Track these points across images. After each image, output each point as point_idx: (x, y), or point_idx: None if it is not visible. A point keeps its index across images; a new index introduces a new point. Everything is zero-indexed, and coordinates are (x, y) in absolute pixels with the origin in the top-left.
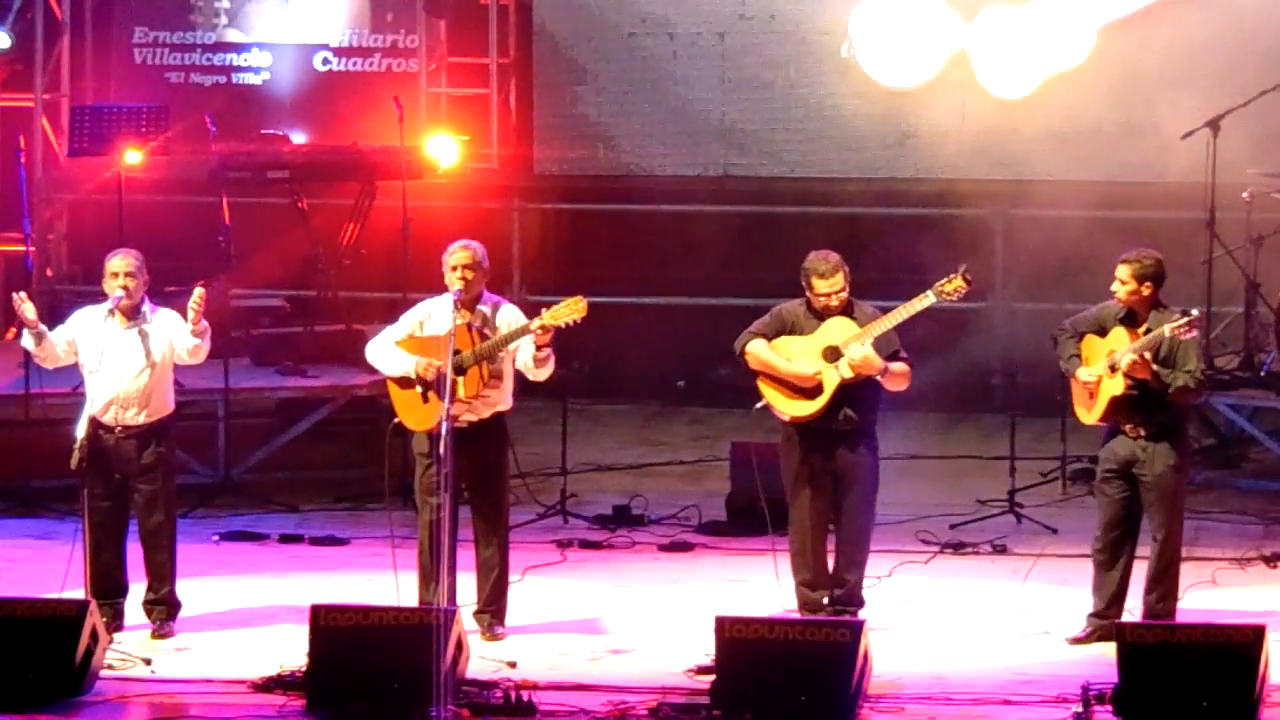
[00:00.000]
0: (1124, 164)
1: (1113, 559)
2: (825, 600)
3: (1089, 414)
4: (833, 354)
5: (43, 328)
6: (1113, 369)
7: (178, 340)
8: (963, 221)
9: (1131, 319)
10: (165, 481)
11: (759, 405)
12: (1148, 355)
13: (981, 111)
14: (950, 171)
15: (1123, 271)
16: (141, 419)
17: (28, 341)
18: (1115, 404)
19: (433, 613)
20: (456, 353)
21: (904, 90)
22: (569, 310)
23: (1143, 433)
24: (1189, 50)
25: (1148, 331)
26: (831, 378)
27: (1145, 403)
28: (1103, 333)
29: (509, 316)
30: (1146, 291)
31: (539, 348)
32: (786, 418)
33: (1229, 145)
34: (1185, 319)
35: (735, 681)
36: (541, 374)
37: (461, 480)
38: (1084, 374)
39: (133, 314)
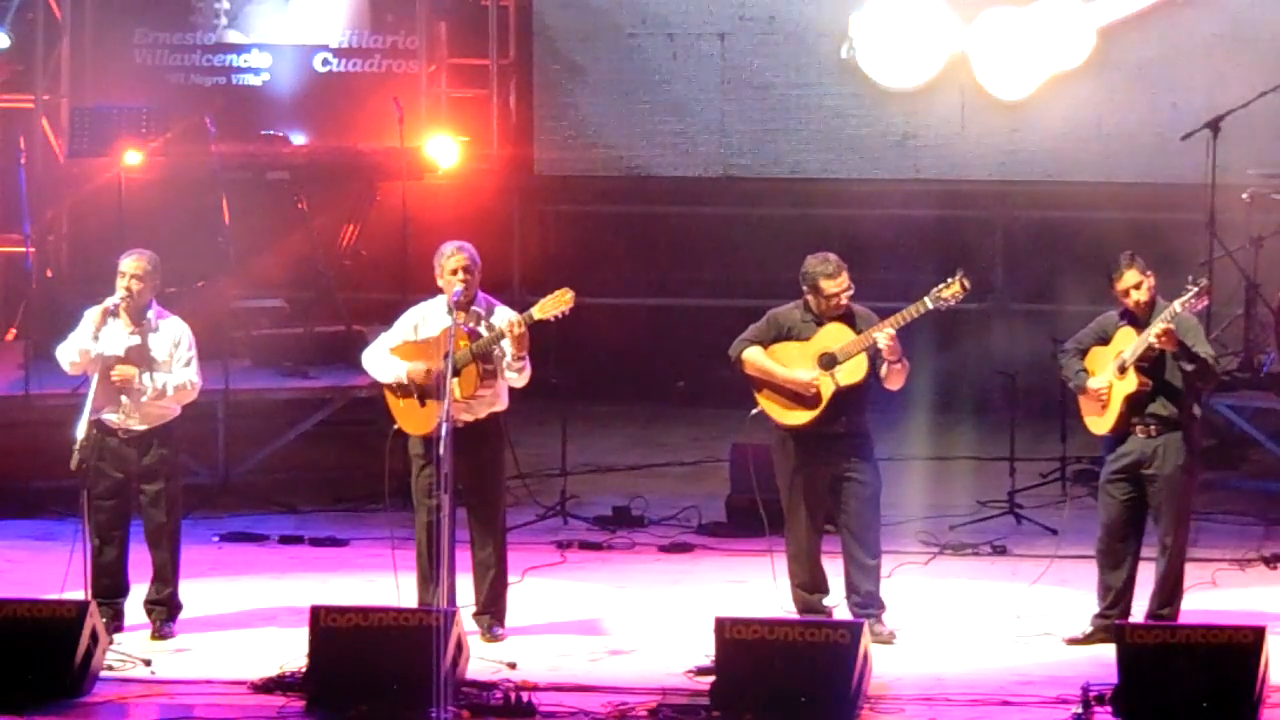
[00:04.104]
0: (1124, 165)
1: (1118, 560)
2: (823, 602)
3: (1102, 422)
4: (828, 360)
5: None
6: (1121, 369)
7: (176, 361)
8: (963, 223)
9: (1133, 319)
10: (168, 484)
11: (754, 412)
12: (1162, 328)
13: (981, 113)
14: (950, 173)
15: (1132, 276)
16: (143, 423)
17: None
18: (1130, 404)
19: (433, 614)
20: (447, 355)
21: (904, 91)
22: (555, 302)
23: (1154, 430)
24: (1189, 51)
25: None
26: (827, 385)
27: (1157, 399)
28: (1106, 342)
29: (503, 317)
30: (1154, 280)
31: (515, 358)
32: (783, 424)
33: (1229, 146)
34: (1194, 289)
35: (735, 682)
36: (518, 381)
37: (458, 481)
38: (1095, 383)
39: (137, 317)
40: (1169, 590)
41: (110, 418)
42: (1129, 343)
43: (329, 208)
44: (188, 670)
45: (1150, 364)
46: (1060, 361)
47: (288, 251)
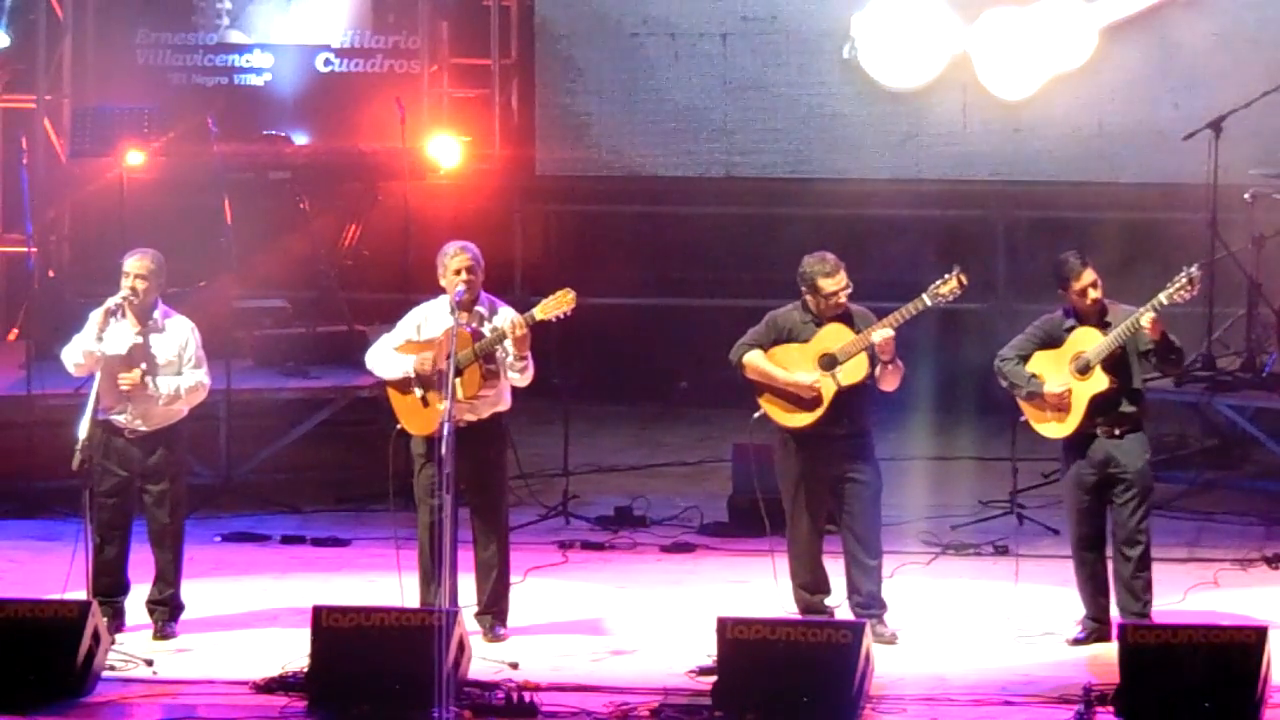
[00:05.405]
0: (1126, 165)
1: (1097, 564)
2: (825, 603)
3: (1063, 425)
4: (829, 361)
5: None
6: (1084, 369)
7: (185, 363)
8: (964, 223)
9: (1082, 319)
10: (172, 485)
11: (756, 415)
12: (1153, 316)
13: (983, 113)
14: (952, 173)
15: (1089, 275)
16: (150, 424)
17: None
18: (1095, 404)
19: (434, 614)
20: (450, 356)
21: (906, 91)
22: (557, 303)
23: (1118, 431)
24: (1191, 51)
25: (1108, 324)
26: (829, 386)
27: (1122, 399)
28: (1052, 344)
29: (506, 317)
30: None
31: (518, 357)
32: (785, 426)
33: (1231, 146)
34: (1186, 278)
35: (737, 682)
36: (520, 380)
37: (460, 481)
38: (1054, 387)
39: (143, 316)
40: (1148, 578)
41: (118, 418)
42: (1091, 342)
43: (331, 208)
44: (190, 670)
45: (1113, 363)
46: (1002, 370)
47: (289, 251)
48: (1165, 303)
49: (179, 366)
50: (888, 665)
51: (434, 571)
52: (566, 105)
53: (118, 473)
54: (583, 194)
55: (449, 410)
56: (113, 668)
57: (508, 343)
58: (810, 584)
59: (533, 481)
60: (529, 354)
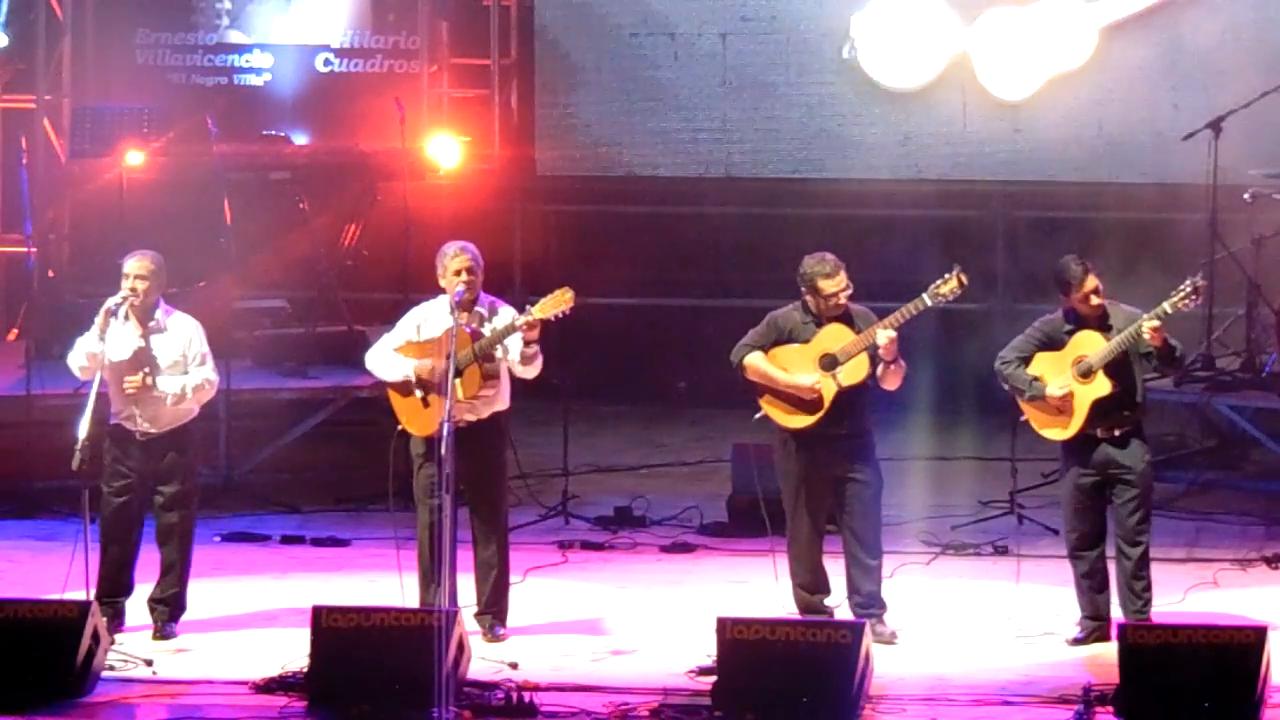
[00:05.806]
0: (1125, 165)
1: (1098, 564)
2: (824, 603)
3: (1066, 428)
4: (829, 362)
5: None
6: (1087, 373)
7: (191, 361)
8: (964, 223)
9: (1083, 322)
10: (182, 484)
11: (757, 416)
12: (1155, 324)
13: (983, 113)
14: (951, 173)
15: (1092, 281)
16: (161, 425)
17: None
18: (1096, 408)
19: (434, 614)
20: (449, 356)
21: (905, 92)
22: (555, 302)
23: (1117, 434)
24: (1190, 52)
25: (1109, 327)
26: (829, 387)
27: (1124, 402)
28: (1052, 346)
29: (506, 317)
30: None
31: (526, 343)
32: (786, 427)
33: (1230, 146)
34: (1190, 287)
35: (737, 682)
36: (529, 371)
37: (460, 481)
38: (1054, 390)
39: (145, 318)
40: (1148, 578)
41: (128, 422)
42: (1093, 346)
43: (330, 208)
44: (189, 670)
45: (1116, 366)
46: (1004, 372)
47: (289, 252)
48: (1170, 312)
49: (185, 366)
50: (888, 665)
51: (434, 571)
52: (566, 105)
53: (128, 475)
54: (583, 194)
55: (449, 410)
56: (112, 668)
57: (509, 341)
58: (810, 584)
59: (533, 481)
60: (538, 341)
